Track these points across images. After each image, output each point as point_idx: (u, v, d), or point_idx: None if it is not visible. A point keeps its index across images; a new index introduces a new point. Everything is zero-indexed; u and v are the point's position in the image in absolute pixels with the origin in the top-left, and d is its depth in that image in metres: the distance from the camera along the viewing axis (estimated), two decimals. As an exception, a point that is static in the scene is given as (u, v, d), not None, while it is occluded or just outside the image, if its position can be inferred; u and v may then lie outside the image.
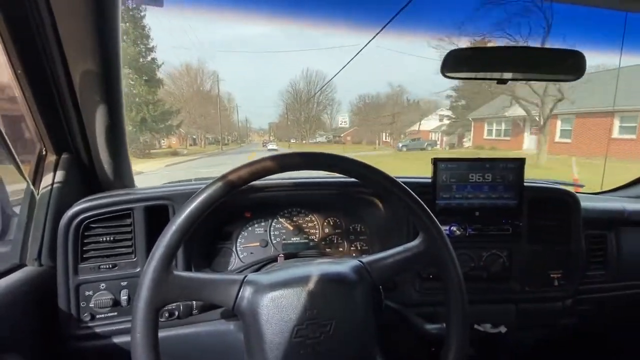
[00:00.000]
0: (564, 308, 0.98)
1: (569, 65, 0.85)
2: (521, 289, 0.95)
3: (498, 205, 0.90)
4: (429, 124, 26.87)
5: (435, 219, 0.58)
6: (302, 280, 0.54)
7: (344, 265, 0.57)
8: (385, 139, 29.62)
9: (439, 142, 24.13)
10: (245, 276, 0.54)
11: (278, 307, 0.51)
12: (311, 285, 0.53)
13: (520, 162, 0.89)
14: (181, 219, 0.48)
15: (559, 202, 0.96)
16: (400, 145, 22.44)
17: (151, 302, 0.47)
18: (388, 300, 0.72)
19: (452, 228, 0.91)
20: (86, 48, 0.65)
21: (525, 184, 0.90)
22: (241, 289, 0.52)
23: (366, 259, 0.58)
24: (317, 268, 0.57)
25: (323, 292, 0.53)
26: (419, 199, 0.58)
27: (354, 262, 0.58)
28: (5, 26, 0.59)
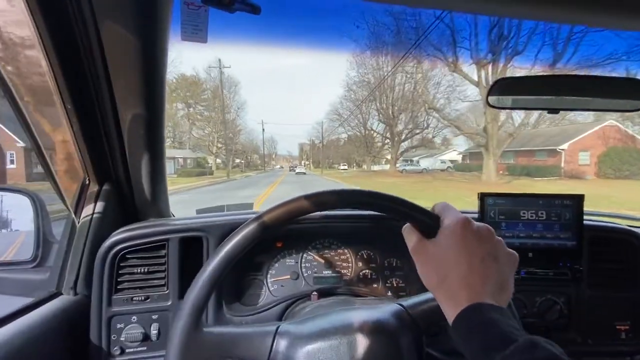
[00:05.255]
0: None
1: (628, 95, 0.79)
2: (582, 341, 0.84)
3: (554, 246, 0.81)
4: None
5: None
6: (339, 331, 0.49)
7: (384, 311, 0.53)
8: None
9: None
10: (278, 326, 0.51)
11: None
12: (350, 336, 0.49)
13: (578, 199, 0.81)
14: (211, 267, 0.45)
15: (622, 243, 0.86)
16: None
17: None
18: (430, 348, 0.66)
19: (501, 270, 0.83)
20: (134, 88, 0.67)
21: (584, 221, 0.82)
22: (275, 342, 0.48)
23: (407, 302, 0.54)
24: (354, 315, 0.52)
25: (363, 344, 0.48)
26: None
27: (394, 307, 0.54)
28: (58, 65, 0.61)
